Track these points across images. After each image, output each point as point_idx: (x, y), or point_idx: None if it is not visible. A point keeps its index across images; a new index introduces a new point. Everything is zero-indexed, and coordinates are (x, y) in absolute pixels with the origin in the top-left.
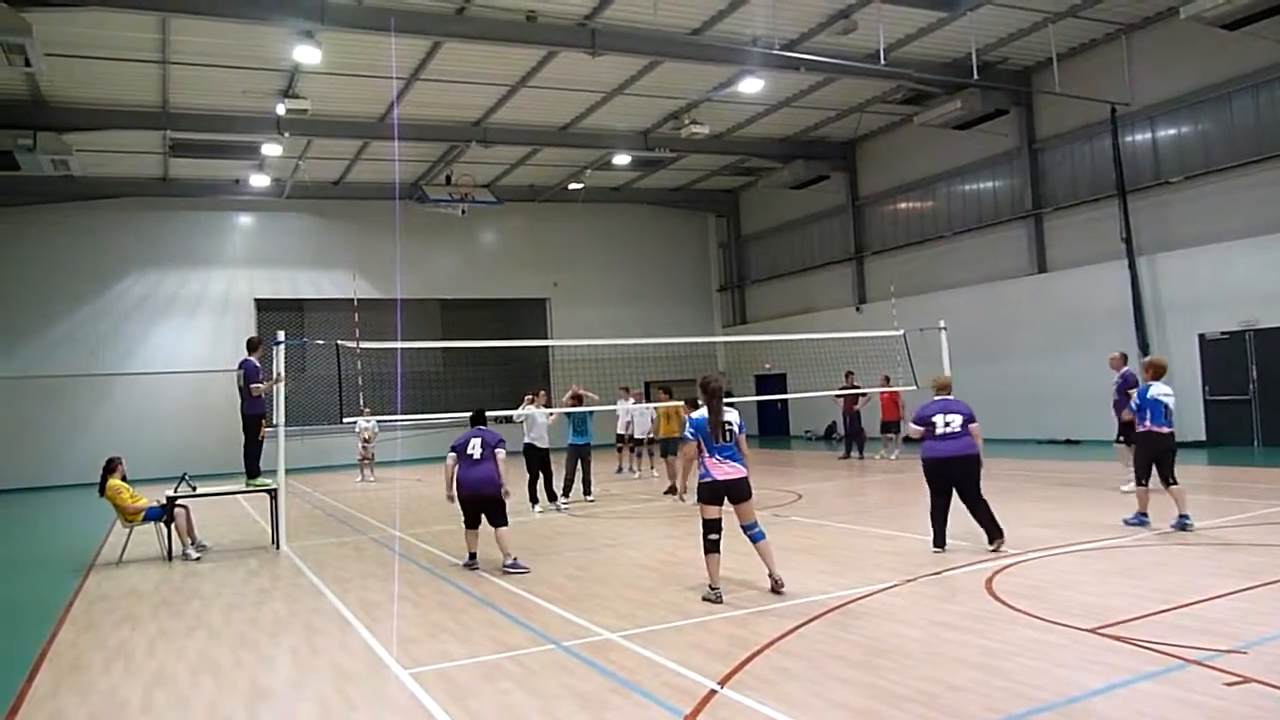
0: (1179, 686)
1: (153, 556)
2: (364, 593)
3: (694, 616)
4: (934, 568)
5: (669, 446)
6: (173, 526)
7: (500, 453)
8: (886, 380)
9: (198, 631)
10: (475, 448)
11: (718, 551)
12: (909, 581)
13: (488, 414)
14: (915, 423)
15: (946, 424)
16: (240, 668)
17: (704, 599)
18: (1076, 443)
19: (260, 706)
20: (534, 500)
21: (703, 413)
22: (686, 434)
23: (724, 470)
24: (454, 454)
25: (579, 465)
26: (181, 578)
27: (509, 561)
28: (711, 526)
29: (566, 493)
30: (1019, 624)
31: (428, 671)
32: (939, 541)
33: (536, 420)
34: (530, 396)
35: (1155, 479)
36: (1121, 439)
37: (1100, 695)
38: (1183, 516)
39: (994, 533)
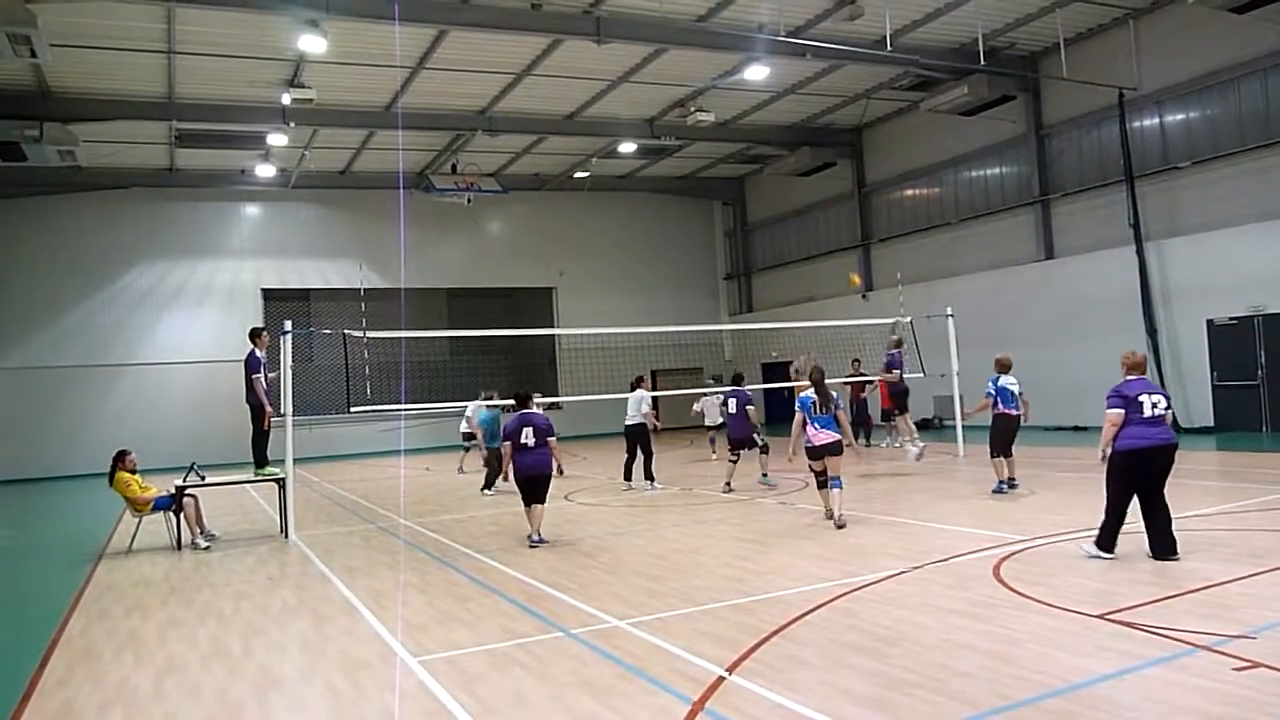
0: (1188, 672)
1: (162, 546)
2: (372, 581)
3: (702, 604)
4: (941, 555)
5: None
6: (182, 516)
7: (553, 440)
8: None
9: (208, 619)
10: (529, 436)
11: (824, 488)
12: (917, 568)
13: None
14: (1115, 405)
15: (1154, 405)
16: (250, 655)
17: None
18: (1084, 429)
19: (270, 694)
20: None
21: (808, 393)
22: (795, 408)
23: (821, 437)
24: (509, 442)
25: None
26: (191, 566)
27: (536, 538)
28: (817, 478)
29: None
30: (1027, 610)
31: (436, 659)
32: (1112, 545)
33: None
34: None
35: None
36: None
37: (1109, 681)
38: (1010, 480)
39: (1169, 547)
